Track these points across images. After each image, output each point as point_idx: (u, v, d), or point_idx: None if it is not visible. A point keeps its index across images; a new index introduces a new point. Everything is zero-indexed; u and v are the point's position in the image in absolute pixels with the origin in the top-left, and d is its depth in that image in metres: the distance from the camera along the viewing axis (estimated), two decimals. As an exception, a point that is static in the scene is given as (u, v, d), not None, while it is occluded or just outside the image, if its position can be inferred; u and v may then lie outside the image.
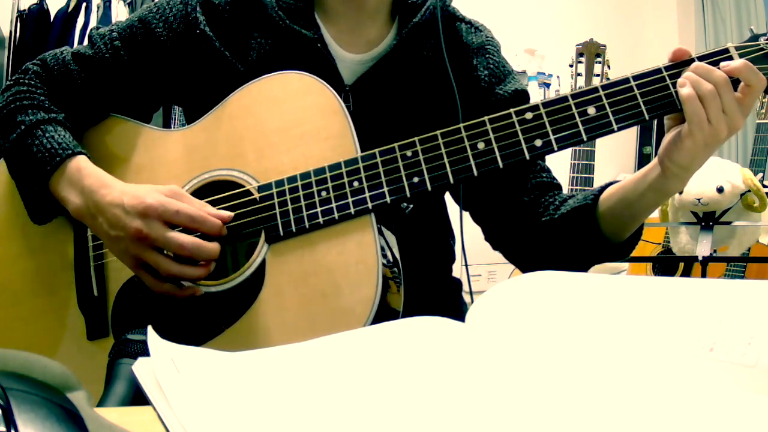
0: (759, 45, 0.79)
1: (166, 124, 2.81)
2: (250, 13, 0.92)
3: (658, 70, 0.78)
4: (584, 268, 0.92)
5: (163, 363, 0.42)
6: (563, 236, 0.91)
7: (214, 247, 0.76)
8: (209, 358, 0.47)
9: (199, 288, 0.78)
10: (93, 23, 2.97)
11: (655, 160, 0.83)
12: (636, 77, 0.78)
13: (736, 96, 0.75)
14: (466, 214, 1.02)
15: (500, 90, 0.97)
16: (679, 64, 0.78)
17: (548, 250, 0.95)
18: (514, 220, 0.97)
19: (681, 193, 1.99)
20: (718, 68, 0.76)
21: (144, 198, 0.76)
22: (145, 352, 0.47)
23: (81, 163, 0.83)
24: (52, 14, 3.00)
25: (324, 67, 0.89)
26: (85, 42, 0.96)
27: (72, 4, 3.00)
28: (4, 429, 0.30)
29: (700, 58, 0.78)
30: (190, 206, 0.76)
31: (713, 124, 0.75)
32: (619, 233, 0.89)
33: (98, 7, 3.02)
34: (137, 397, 0.44)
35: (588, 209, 0.89)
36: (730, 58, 0.77)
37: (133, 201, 0.76)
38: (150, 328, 0.47)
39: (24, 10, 2.96)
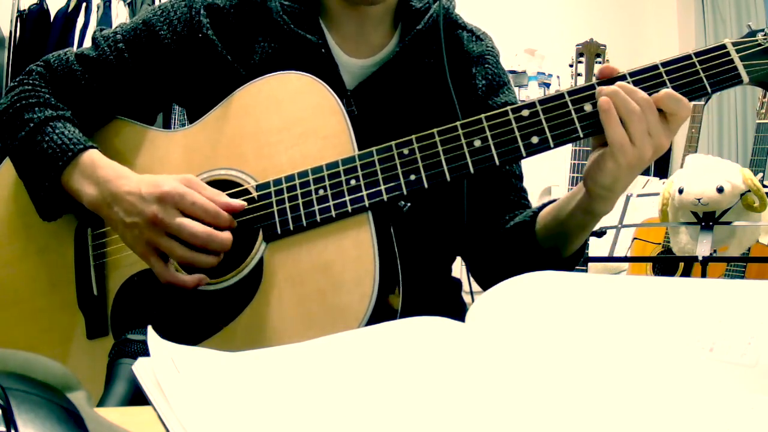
0: (756, 41, 0.78)
1: (166, 125, 2.81)
2: (254, 17, 0.93)
3: (654, 66, 0.78)
4: None
5: (163, 363, 0.42)
6: (506, 250, 0.94)
7: (226, 237, 0.77)
8: (209, 358, 0.47)
9: (205, 276, 0.79)
10: (93, 23, 2.97)
11: (582, 181, 0.83)
12: (633, 74, 0.78)
13: (661, 118, 0.75)
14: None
15: (491, 101, 0.99)
16: (680, 58, 0.78)
17: (495, 262, 0.98)
18: (472, 232, 0.99)
19: (681, 192, 1.99)
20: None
21: (161, 185, 0.77)
22: (145, 352, 0.47)
23: (94, 156, 0.84)
24: (52, 14, 3.00)
25: (326, 72, 0.89)
26: (88, 44, 0.96)
27: (72, 4, 3.00)
28: (4, 429, 0.30)
29: (697, 54, 0.78)
30: (205, 199, 0.77)
31: (637, 145, 0.74)
32: (558, 249, 0.91)
33: (98, 7, 3.02)
34: (137, 397, 0.44)
35: (527, 225, 0.91)
36: (728, 55, 0.77)
37: (150, 188, 0.77)
38: (150, 328, 0.47)
39: (24, 10, 2.96)
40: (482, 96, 0.98)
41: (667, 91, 0.75)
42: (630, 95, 0.75)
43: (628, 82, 0.77)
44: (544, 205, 0.93)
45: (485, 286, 1.00)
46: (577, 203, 0.84)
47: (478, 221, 0.98)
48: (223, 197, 0.79)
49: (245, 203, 0.80)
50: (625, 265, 2.70)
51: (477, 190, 0.97)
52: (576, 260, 0.93)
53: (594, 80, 0.79)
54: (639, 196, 2.39)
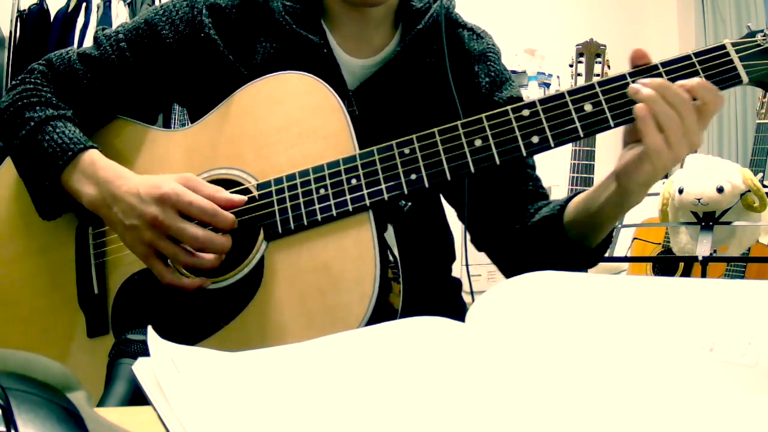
0: (756, 41, 0.78)
1: (166, 125, 2.81)
2: (257, 17, 0.93)
3: (654, 66, 0.78)
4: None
5: (163, 363, 0.42)
6: (535, 243, 0.94)
7: (225, 240, 0.78)
8: (209, 358, 0.47)
9: (207, 280, 0.79)
10: (93, 23, 2.97)
11: (612, 174, 0.82)
12: (632, 74, 0.78)
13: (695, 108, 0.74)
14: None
15: (496, 96, 0.99)
16: (679, 59, 0.78)
17: (523, 255, 0.98)
18: (495, 226, 0.99)
19: (681, 192, 1.99)
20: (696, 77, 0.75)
21: (160, 186, 0.77)
22: (145, 352, 0.47)
23: (94, 156, 0.84)
24: (52, 14, 3.00)
25: (328, 72, 0.89)
26: (88, 43, 0.96)
27: (72, 4, 3.00)
28: (4, 429, 0.30)
29: (696, 54, 0.78)
30: (202, 198, 0.78)
31: (674, 148, 0.74)
32: (587, 240, 0.91)
33: (98, 7, 3.01)
34: (137, 397, 0.44)
35: (555, 219, 0.91)
36: (727, 55, 0.77)
37: (150, 189, 0.78)
38: (150, 328, 0.47)
39: (24, 10, 2.96)
40: (486, 93, 0.98)
41: (700, 80, 0.75)
42: (669, 97, 0.73)
43: (627, 83, 0.77)
44: (569, 198, 0.92)
45: None
46: (609, 197, 0.83)
47: (498, 214, 0.98)
48: (223, 193, 0.80)
49: (245, 197, 0.80)
50: (625, 265, 2.69)
51: (493, 183, 0.97)
52: (604, 249, 0.93)
53: (625, 71, 0.78)
54: (639, 196, 2.39)
